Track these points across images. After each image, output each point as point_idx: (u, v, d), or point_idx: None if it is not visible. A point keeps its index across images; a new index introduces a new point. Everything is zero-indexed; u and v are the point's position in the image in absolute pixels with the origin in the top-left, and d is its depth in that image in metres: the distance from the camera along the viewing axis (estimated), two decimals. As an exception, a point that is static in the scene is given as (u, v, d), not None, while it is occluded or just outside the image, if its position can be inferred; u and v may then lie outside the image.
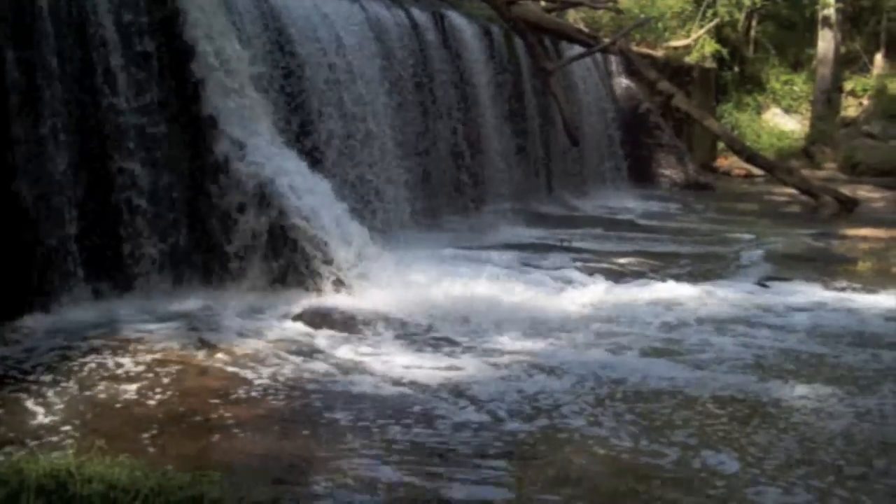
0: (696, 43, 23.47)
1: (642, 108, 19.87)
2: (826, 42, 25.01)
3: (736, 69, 26.31)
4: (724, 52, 24.47)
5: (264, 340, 7.31)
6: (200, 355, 6.91)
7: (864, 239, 13.99)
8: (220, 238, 8.74)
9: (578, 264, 10.73)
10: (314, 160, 10.30)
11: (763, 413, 6.02)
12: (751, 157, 19.22)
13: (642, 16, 20.42)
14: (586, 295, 9.15)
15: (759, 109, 26.42)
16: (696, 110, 20.03)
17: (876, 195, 19.60)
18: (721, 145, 22.90)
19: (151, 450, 5.14)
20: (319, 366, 6.77)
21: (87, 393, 6.04)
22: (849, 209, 17.01)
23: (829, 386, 6.58)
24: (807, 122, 25.69)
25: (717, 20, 24.22)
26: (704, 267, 11.29)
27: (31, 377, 6.29)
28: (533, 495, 4.75)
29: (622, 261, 11.36)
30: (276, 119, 10.00)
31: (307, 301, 8.32)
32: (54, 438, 5.24)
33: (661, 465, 5.13)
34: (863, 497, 4.80)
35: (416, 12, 13.75)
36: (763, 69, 27.01)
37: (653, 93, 19.94)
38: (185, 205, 8.79)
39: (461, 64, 14.37)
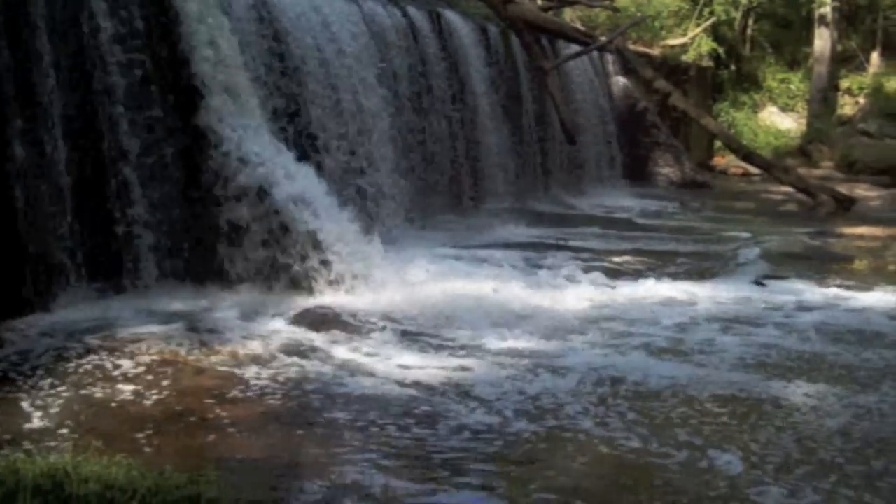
0: (692, 41, 23.52)
1: (639, 107, 19.87)
2: (822, 40, 25.05)
3: (732, 68, 26.36)
4: (721, 50, 24.52)
5: (262, 340, 7.27)
6: (198, 355, 6.87)
7: (861, 237, 14.01)
8: (217, 239, 8.72)
9: (577, 263, 10.71)
10: (311, 160, 10.26)
11: (764, 412, 6.00)
12: (747, 155, 19.25)
13: (639, 14, 20.45)
14: (586, 293, 9.14)
15: (756, 108, 26.47)
16: (692, 109, 20.07)
17: (872, 193, 19.65)
18: (718, 144, 22.96)
19: (148, 450, 5.10)
20: (317, 365, 6.72)
21: (84, 393, 6.01)
22: (845, 207, 17.04)
23: (830, 384, 6.56)
24: (803, 121, 25.74)
25: (713, 19, 24.26)
26: (702, 265, 11.29)
27: (28, 378, 6.24)
28: (533, 497, 4.71)
29: (620, 259, 11.37)
30: (272, 119, 9.98)
31: (305, 301, 8.28)
32: (51, 439, 5.20)
33: (666, 465, 5.10)
34: (866, 496, 4.77)
35: (413, 11, 13.74)
36: (759, 67, 27.05)
37: (649, 91, 19.97)
38: (182, 205, 8.76)
39: (458, 63, 14.36)
